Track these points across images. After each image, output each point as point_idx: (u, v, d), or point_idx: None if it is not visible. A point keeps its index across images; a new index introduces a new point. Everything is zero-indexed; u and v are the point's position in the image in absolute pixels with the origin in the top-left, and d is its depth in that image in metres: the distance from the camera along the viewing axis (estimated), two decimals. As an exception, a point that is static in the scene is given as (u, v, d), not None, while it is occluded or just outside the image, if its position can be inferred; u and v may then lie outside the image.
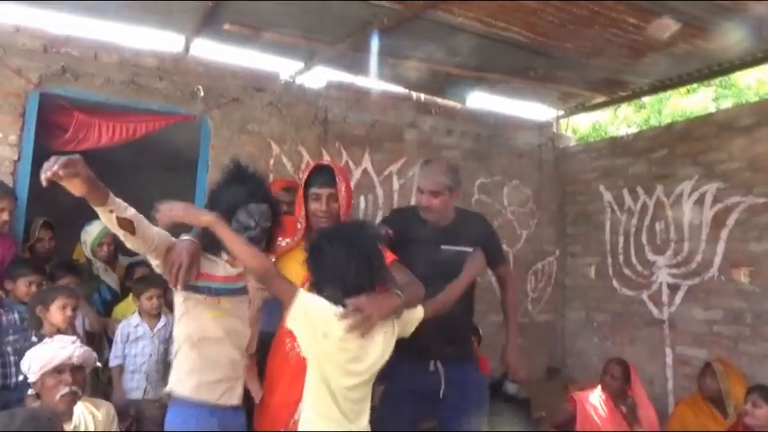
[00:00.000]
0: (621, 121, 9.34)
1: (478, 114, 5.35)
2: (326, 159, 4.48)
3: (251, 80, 4.40)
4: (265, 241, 2.28)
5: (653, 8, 3.42)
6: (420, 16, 3.62)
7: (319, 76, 4.69)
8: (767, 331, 4.00)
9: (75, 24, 3.92)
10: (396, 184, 4.89)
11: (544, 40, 3.93)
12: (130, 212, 1.97)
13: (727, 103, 8.15)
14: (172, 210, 2.04)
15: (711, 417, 3.63)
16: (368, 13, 3.62)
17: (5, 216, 3.31)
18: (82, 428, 2.40)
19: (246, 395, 2.39)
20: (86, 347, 2.50)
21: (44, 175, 1.67)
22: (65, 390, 2.32)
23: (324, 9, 3.61)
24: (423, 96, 5.10)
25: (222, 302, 2.19)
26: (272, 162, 4.40)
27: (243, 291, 2.28)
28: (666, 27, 3.56)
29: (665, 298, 4.65)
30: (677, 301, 4.56)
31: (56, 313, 2.85)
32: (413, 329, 2.15)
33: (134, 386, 3.37)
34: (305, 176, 2.50)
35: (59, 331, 2.77)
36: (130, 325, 3.43)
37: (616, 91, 5.07)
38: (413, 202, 4.88)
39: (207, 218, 2.04)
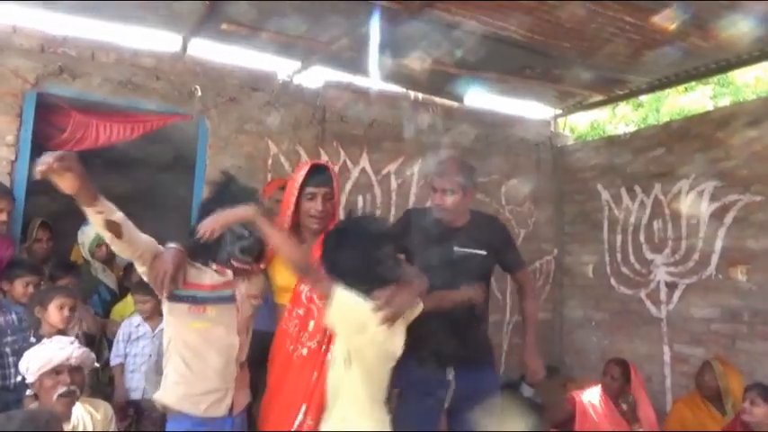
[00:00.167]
0: (619, 119, 9.33)
1: (476, 113, 5.35)
2: (324, 159, 4.48)
3: (248, 80, 4.39)
4: (258, 250, 2.28)
5: (651, 7, 3.42)
6: (418, 15, 3.62)
7: (317, 76, 4.70)
8: (764, 329, 4.00)
9: (72, 24, 3.92)
10: (394, 184, 4.89)
11: (542, 38, 3.93)
12: (118, 216, 1.98)
13: (725, 102, 8.15)
14: (214, 224, 2.08)
15: (709, 415, 3.64)
16: (365, 12, 3.62)
17: (3, 217, 3.30)
18: (80, 429, 2.40)
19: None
20: (85, 348, 2.50)
21: (39, 168, 1.69)
22: (63, 389, 2.32)
23: (321, 8, 3.60)
24: (421, 95, 5.10)
25: (208, 311, 2.19)
26: (269, 162, 4.39)
27: (230, 299, 2.26)
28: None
29: (662, 296, 4.66)
30: (675, 300, 4.57)
31: (54, 313, 2.85)
32: (413, 318, 2.21)
33: (133, 386, 3.38)
34: (300, 175, 2.46)
35: (58, 332, 2.77)
36: (132, 324, 3.45)
37: (614, 89, 5.07)
38: (411, 202, 4.92)
39: (247, 212, 2.09)
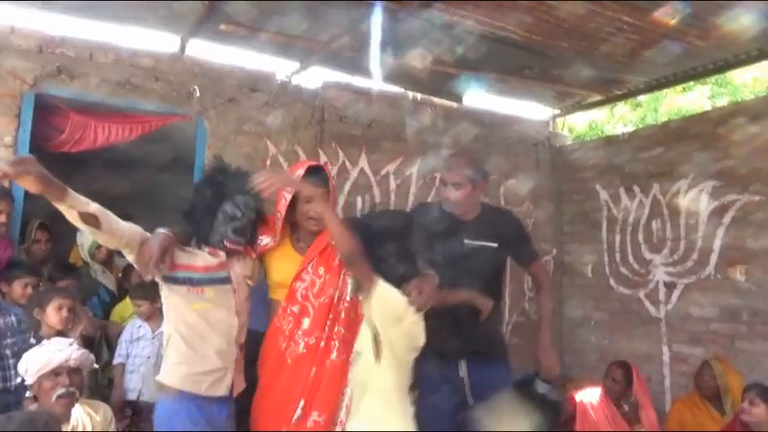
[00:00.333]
0: (618, 119, 9.34)
1: (475, 113, 5.34)
2: (323, 159, 4.48)
3: (247, 80, 4.39)
4: (250, 231, 2.33)
5: (649, 7, 3.42)
6: (416, 15, 3.62)
7: (316, 76, 4.69)
8: (763, 329, 4.01)
9: (70, 25, 3.91)
10: (393, 184, 4.89)
11: (540, 38, 3.93)
12: (93, 207, 2.00)
13: (723, 101, 8.16)
14: (275, 180, 2.22)
15: (708, 415, 3.64)
16: (364, 12, 3.62)
17: (3, 218, 3.29)
18: (80, 430, 2.40)
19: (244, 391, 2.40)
20: (84, 350, 2.50)
21: None
22: (62, 391, 2.32)
23: (320, 7, 3.60)
24: (419, 95, 5.10)
25: (206, 292, 2.23)
26: (268, 162, 4.39)
27: (226, 280, 2.29)
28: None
29: (661, 296, 4.66)
30: (674, 299, 4.57)
31: (52, 315, 2.85)
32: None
33: (131, 387, 3.37)
34: (297, 177, 2.45)
35: (58, 333, 2.76)
36: (134, 325, 3.46)
37: (612, 90, 5.07)
38: (410, 202, 4.91)
39: (313, 190, 2.21)
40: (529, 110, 5.78)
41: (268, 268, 2.51)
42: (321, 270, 2.43)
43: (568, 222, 5.63)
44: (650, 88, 5.03)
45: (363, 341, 2.19)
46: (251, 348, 2.44)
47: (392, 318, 2.11)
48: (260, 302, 2.53)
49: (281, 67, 4.56)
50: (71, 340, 2.53)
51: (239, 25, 3.86)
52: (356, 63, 4.36)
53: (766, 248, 4.05)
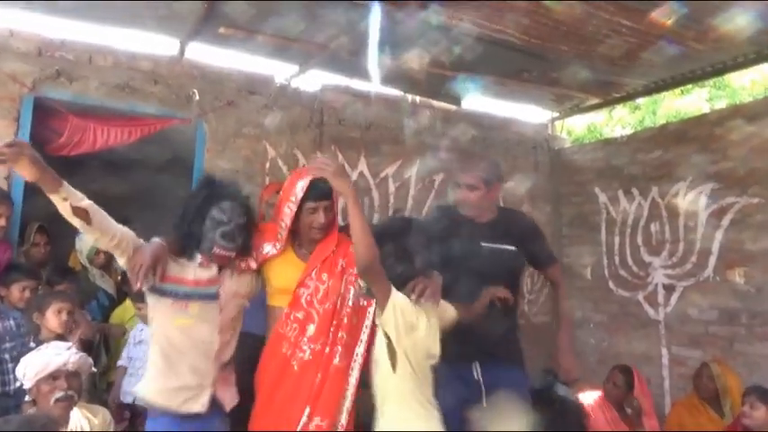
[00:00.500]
0: (616, 122, 9.35)
1: (474, 116, 5.35)
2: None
3: (246, 83, 4.39)
4: (242, 240, 2.29)
5: (647, 9, 3.42)
6: (414, 18, 3.62)
7: (314, 79, 4.70)
8: (762, 331, 4.01)
9: (69, 28, 3.91)
10: (392, 187, 4.89)
11: (539, 41, 3.93)
12: (85, 202, 2.01)
13: (721, 104, 8.17)
14: (318, 164, 2.19)
15: (707, 417, 3.65)
16: (362, 13, 3.62)
17: (2, 221, 3.29)
18: (78, 433, 2.40)
19: (240, 400, 2.39)
20: (82, 353, 2.50)
21: None
22: (60, 394, 2.31)
23: (318, 8, 3.61)
24: (418, 98, 5.11)
25: (190, 308, 2.20)
26: (267, 165, 4.39)
27: (214, 296, 2.26)
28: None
29: (660, 298, 4.66)
30: (673, 302, 4.57)
31: (52, 318, 2.84)
32: (447, 324, 2.30)
33: (129, 389, 3.37)
34: (300, 189, 2.40)
35: (57, 337, 2.76)
36: (137, 328, 3.46)
37: (610, 92, 5.08)
38: (409, 205, 4.91)
39: (348, 189, 2.16)
40: (527, 113, 5.80)
41: (269, 275, 2.48)
42: (324, 276, 2.42)
43: (567, 225, 5.63)
44: (648, 91, 5.04)
45: (380, 349, 2.18)
46: (247, 351, 2.42)
47: (406, 327, 2.12)
48: (259, 306, 2.52)
49: (279, 71, 4.56)
50: (69, 344, 2.53)
51: (238, 28, 3.86)
52: (354, 66, 4.36)
53: (765, 250, 4.05)
